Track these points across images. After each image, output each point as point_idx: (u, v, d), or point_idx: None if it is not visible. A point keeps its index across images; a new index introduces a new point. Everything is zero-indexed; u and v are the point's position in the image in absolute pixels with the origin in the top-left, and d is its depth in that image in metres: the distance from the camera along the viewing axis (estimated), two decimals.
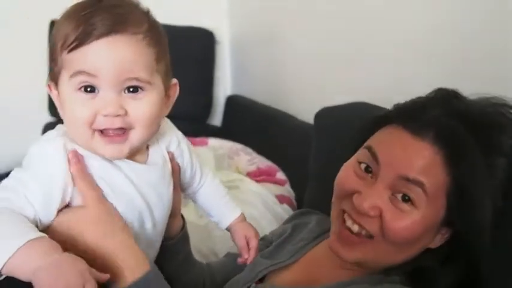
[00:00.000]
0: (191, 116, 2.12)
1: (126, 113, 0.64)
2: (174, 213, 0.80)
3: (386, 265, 0.77)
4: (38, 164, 0.65)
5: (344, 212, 0.77)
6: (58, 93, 0.67)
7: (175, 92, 0.74)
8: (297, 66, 1.82)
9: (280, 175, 1.70)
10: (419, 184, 0.70)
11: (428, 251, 0.75)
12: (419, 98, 0.78)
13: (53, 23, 2.00)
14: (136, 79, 0.63)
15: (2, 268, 0.54)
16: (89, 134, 0.64)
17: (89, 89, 0.63)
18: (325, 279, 0.80)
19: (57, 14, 1.91)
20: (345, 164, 0.80)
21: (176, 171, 0.77)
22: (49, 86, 0.68)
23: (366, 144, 0.77)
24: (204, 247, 1.11)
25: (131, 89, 0.64)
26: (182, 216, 0.86)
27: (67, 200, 0.65)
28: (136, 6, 0.66)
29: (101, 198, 0.67)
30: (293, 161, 1.65)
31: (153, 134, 0.70)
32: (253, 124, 2.00)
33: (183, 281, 0.86)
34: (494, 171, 0.71)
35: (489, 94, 0.75)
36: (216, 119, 2.37)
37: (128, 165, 0.69)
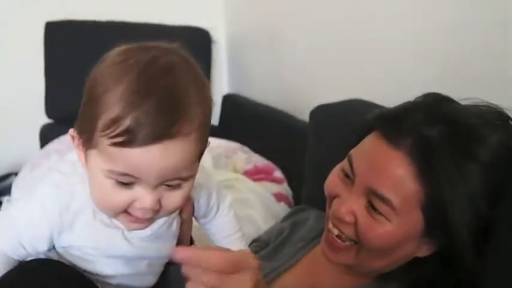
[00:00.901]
0: None
1: (160, 206, 0.60)
2: (182, 242, 0.75)
3: (372, 270, 0.78)
4: (37, 205, 0.63)
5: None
6: (84, 154, 0.61)
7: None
8: (294, 65, 1.82)
9: (278, 174, 1.70)
10: (386, 201, 0.70)
11: (422, 260, 0.75)
12: (405, 103, 0.78)
13: (48, 25, 2.00)
14: (178, 179, 0.59)
15: None
16: (116, 215, 0.62)
17: (126, 185, 0.58)
18: (328, 286, 0.81)
19: (53, 17, 1.90)
20: (334, 168, 0.81)
21: (188, 215, 0.73)
22: (73, 137, 0.62)
23: (350, 152, 0.78)
24: (200, 245, 1.11)
25: (170, 185, 0.60)
26: (191, 240, 0.83)
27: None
28: (195, 86, 0.58)
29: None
30: (290, 160, 1.65)
31: None
32: (250, 123, 2.00)
33: None
34: (468, 178, 0.69)
35: (482, 100, 0.74)
36: (213, 118, 2.37)
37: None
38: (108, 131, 0.55)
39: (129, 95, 0.54)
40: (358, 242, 0.75)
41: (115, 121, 0.54)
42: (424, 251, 0.75)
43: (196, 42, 2.19)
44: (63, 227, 0.63)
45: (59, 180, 0.64)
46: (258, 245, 1.01)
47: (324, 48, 1.60)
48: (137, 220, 0.61)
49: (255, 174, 1.68)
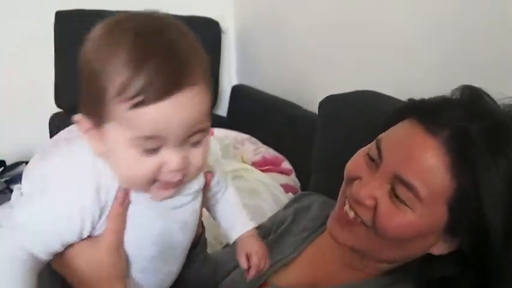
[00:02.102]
0: None
1: (188, 165, 0.59)
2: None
3: (379, 259, 0.75)
4: (69, 198, 0.59)
5: (346, 197, 0.76)
6: (97, 132, 0.59)
7: None
8: (302, 56, 1.81)
9: (286, 165, 1.70)
10: (412, 188, 0.67)
11: (435, 259, 0.72)
12: (443, 97, 0.74)
13: (58, 15, 2.01)
14: (200, 130, 0.59)
15: None
16: (146, 187, 0.60)
17: (153, 151, 0.57)
18: (332, 280, 0.78)
19: (63, 6, 1.90)
20: (358, 151, 0.78)
21: (208, 190, 0.74)
22: (79, 121, 0.60)
23: (379, 136, 0.75)
24: (209, 236, 1.11)
25: (194, 141, 0.59)
26: (202, 224, 0.83)
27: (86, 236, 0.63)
28: (190, 39, 0.58)
29: (118, 246, 0.64)
30: (299, 151, 1.65)
31: None
32: (258, 114, 2.00)
33: (202, 277, 0.85)
34: (501, 173, 0.66)
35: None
36: (222, 108, 2.37)
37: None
38: (121, 97, 0.54)
39: (131, 56, 0.53)
40: (372, 228, 0.71)
41: (126, 84, 0.53)
42: (439, 249, 0.71)
43: (206, 33, 2.19)
44: (102, 208, 0.61)
45: (79, 154, 0.62)
46: (261, 232, 0.99)
47: (333, 38, 1.59)
48: (167, 186, 0.60)
49: (263, 165, 1.69)
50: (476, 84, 0.75)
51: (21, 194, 1.51)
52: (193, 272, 0.82)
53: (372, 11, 1.39)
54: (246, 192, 1.47)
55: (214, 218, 0.81)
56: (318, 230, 0.89)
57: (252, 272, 0.76)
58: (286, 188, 1.56)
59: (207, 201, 0.77)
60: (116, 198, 0.61)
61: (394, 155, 0.70)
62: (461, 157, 0.66)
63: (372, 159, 0.73)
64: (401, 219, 0.68)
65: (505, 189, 0.66)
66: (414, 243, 0.71)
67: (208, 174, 0.71)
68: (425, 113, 0.71)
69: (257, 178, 1.54)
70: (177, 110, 0.55)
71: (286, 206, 1.05)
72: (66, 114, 2.06)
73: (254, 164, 1.70)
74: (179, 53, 0.55)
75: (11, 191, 1.64)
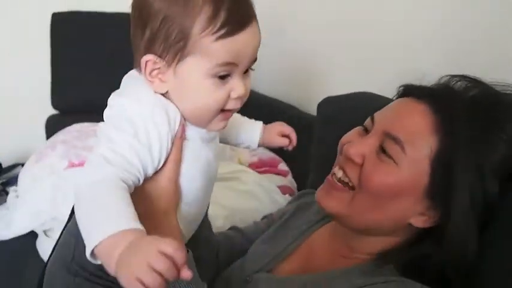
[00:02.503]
0: None
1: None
2: None
3: (362, 223, 0.77)
4: (144, 125, 0.64)
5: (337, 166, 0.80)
6: (169, 70, 0.65)
7: None
8: (300, 57, 1.82)
9: (283, 166, 1.70)
10: (397, 141, 0.71)
11: (418, 240, 0.74)
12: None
13: (54, 16, 2.01)
14: (254, 61, 0.68)
15: (94, 248, 0.54)
16: (214, 115, 0.68)
17: (225, 76, 0.65)
18: (324, 267, 0.81)
19: (59, 7, 1.89)
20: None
21: None
22: (148, 61, 0.65)
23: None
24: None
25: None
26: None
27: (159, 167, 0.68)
28: None
29: (177, 176, 0.70)
30: (295, 153, 1.65)
31: None
32: (255, 115, 1.99)
33: (204, 254, 0.87)
34: (490, 147, 0.69)
35: None
36: None
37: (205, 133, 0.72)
38: (208, 30, 0.61)
39: None
40: (357, 188, 0.75)
41: (212, 18, 0.61)
42: (419, 222, 0.73)
43: None
44: (171, 143, 0.67)
45: (148, 95, 0.67)
46: (267, 221, 1.03)
47: (332, 40, 1.60)
48: (226, 116, 0.69)
49: (260, 167, 1.68)
50: None
51: (17, 196, 1.51)
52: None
53: (371, 12, 1.39)
54: (243, 193, 1.47)
55: (230, 141, 0.88)
56: (317, 224, 0.91)
57: (293, 137, 0.90)
58: (283, 189, 1.56)
59: None
60: (177, 132, 0.68)
61: (385, 116, 0.77)
62: (447, 118, 0.70)
63: (366, 130, 0.79)
64: (385, 173, 0.72)
65: (491, 167, 0.69)
66: (395, 203, 0.73)
67: None
68: (417, 89, 0.78)
69: (254, 180, 1.54)
70: (251, 38, 0.65)
71: (290, 202, 1.09)
72: (62, 116, 2.06)
73: (251, 166, 1.70)
74: None
75: (7, 193, 1.64)
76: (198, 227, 0.81)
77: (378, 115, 0.79)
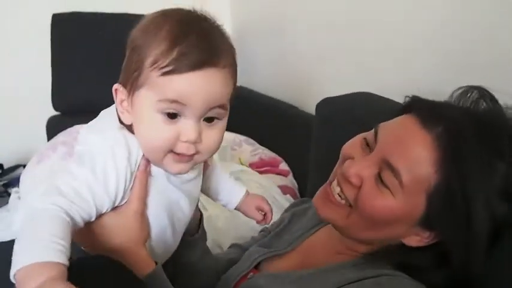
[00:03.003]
0: None
1: (201, 141, 0.66)
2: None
3: (357, 238, 0.79)
4: (103, 160, 0.66)
5: (337, 175, 0.80)
6: (129, 100, 0.67)
7: None
8: (299, 57, 1.82)
9: (283, 166, 1.71)
10: (397, 174, 0.71)
11: (417, 250, 0.74)
12: (445, 101, 0.78)
13: (54, 17, 2.01)
14: (220, 107, 0.66)
15: (15, 274, 0.55)
16: (162, 156, 0.67)
17: (172, 116, 0.64)
18: (321, 263, 0.82)
19: (59, 9, 1.90)
20: (357, 135, 0.82)
21: (207, 167, 0.83)
22: (116, 89, 0.68)
23: (378, 124, 0.79)
24: (208, 239, 1.12)
25: (209, 119, 0.66)
26: (199, 210, 0.90)
27: (117, 203, 0.70)
28: (223, 33, 0.68)
29: (143, 211, 0.71)
30: (296, 152, 1.66)
31: None
32: (255, 115, 2.00)
33: (205, 267, 0.92)
34: (494, 175, 0.69)
35: None
36: None
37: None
38: (157, 64, 0.62)
39: (172, 34, 0.62)
40: (354, 207, 0.75)
41: (163, 54, 0.62)
42: (412, 241, 0.74)
43: None
44: (130, 180, 0.68)
45: (109, 129, 0.69)
46: (263, 234, 1.04)
47: (330, 40, 1.60)
48: (181, 159, 0.67)
49: (260, 167, 1.69)
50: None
51: (19, 198, 1.50)
52: (195, 259, 0.89)
53: (370, 12, 1.39)
54: None
55: (210, 194, 0.89)
56: (312, 229, 0.93)
57: (269, 216, 0.89)
58: (284, 189, 1.56)
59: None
60: (139, 166, 0.69)
61: (388, 141, 0.75)
62: (451, 153, 0.69)
63: (367, 144, 0.78)
64: (381, 202, 0.72)
65: (497, 192, 0.68)
66: (389, 228, 0.74)
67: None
68: (424, 108, 0.75)
69: (255, 180, 1.54)
70: (202, 82, 0.63)
71: (286, 210, 1.10)
72: (63, 117, 2.06)
73: (252, 166, 1.70)
74: (211, 39, 0.64)
75: (9, 194, 1.64)
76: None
77: (381, 133, 0.76)
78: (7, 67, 2.10)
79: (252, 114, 2.03)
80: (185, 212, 0.77)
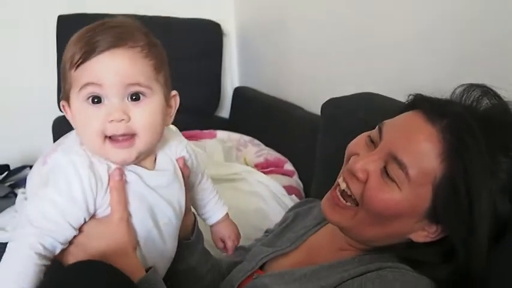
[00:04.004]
0: (199, 109, 2.13)
1: (129, 119, 0.69)
2: (186, 211, 0.84)
3: (364, 237, 0.79)
4: (64, 173, 0.69)
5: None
6: (70, 110, 0.72)
7: (176, 102, 0.78)
8: (304, 57, 1.82)
9: (288, 166, 1.71)
10: (402, 166, 0.71)
11: (423, 245, 0.75)
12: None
13: (60, 19, 2.02)
14: (138, 84, 0.69)
15: None
16: (100, 142, 0.69)
17: (96, 100, 0.68)
18: (323, 261, 0.82)
19: (65, 10, 1.91)
20: (361, 134, 0.83)
21: (187, 175, 0.83)
22: (63, 106, 0.73)
23: (382, 121, 0.80)
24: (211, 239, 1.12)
25: (134, 97, 0.69)
26: (194, 215, 0.91)
27: (92, 211, 0.71)
28: (136, 27, 0.72)
29: (126, 217, 0.72)
30: (301, 152, 1.66)
31: (157, 140, 0.75)
32: (261, 115, 2.00)
33: (203, 272, 0.92)
34: (499, 170, 0.69)
35: None
36: (224, 111, 2.38)
37: (138, 170, 0.74)
38: (71, 64, 0.68)
39: (79, 35, 0.69)
40: (360, 204, 0.76)
41: (75, 53, 0.68)
42: (419, 237, 0.75)
43: (207, 35, 2.20)
44: (97, 187, 0.70)
45: (71, 147, 0.72)
46: (267, 234, 1.04)
47: (334, 41, 1.60)
48: (120, 145, 0.69)
49: (265, 167, 1.69)
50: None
51: (25, 198, 1.52)
52: (195, 263, 0.90)
53: (376, 12, 1.39)
54: (250, 194, 1.47)
55: (195, 205, 0.91)
56: (316, 227, 0.94)
57: (229, 252, 0.92)
58: (289, 189, 1.56)
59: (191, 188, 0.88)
60: (111, 174, 0.71)
61: (393, 135, 0.76)
62: (456, 146, 0.70)
63: (372, 141, 0.79)
64: (388, 195, 0.73)
65: (502, 188, 0.69)
66: (395, 223, 0.74)
67: (180, 159, 0.81)
68: (428, 104, 0.76)
69: (260, 180, 1.54)
70: (108, 61, 0.67)
71: (290, 209, 1.11)
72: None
73: (257, 166, 1.71)
74: (116, 29, 0.69)
75: (16, 195, 1.65)
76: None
77: (386, 129, 0.77)
78: (13, 68, 2.11)
79: (257, 114, 2.03)
80: (171, 218, 0.78)
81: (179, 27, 2.11)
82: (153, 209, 0.75)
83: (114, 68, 0.67)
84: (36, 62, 2.11)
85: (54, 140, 1.89)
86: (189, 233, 0.89)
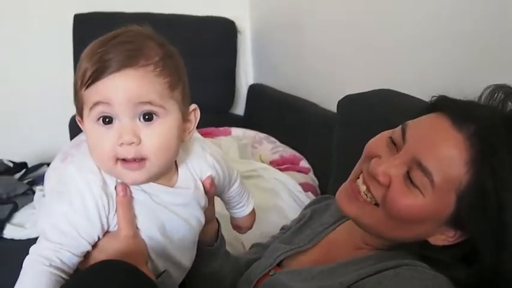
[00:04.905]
0: (214, 106, 2.13)
1: (140, 142, 0.67)
2: (209, 220, 0.83)
3: (379, 234, 0.78)
4: (79, 192, 0.69)
5: (361, 172, 0.79)
6: (84, 128, 0.71)
7: (197, 116, 0.76)
8: (318, 54, 1.81)
9: (304, 163, 1.70)
10: (427, 173, 0.70)
11: (437, 247, 0.74)
12: (472, 100, 0.77)
13: (76, 17, 2.04)
14: (149, 103, 0.66)
15: None
16: (112, 164, 0.68)
17: (107, 120, 0.67)
18: (340, 259, 0.82)
19: (81, 9, 1.92)
20: (381, 133, 0.81)
21: (213, 193, 0.81)
22: (79, 120, 0.72)
23: (405, 122, 0.77)
24: (229, 236, 1.12)
25: (146, 117, 0.67)
26: (217, 220, 0.90)
27: (105, 229, 0.71)
28: (150, 39, 0.69)
29: (135, 234, 0.72)
30: (316, 149, 1.65)
31: (171, 160, 0.73)
32: (275, 113, 2.00)
33: (225, 272, 0.93)
34: None
35: None
36: (239, 108, 2.38)
37: (152, 188, 0.73)
38: (81, 82, 0.66)
39: (88, 54, 0.67)
40: (381, 205, 0.74)
41: (85, 71, 0.66)
42: (438, 240, 0.74)
43: (222, 33, 2.20)
44: (109, 206, 0.70)
45: (85, 162, 0.71)
46: (284, 232, 1.04)
47: (349, 38, 1.59)
48: (129, 166, 0.68)
49: (281, 164, 1.69)
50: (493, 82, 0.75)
51: (43, 196, 1.54)
52: (217, 267, 0.90)
53: (391, 9, 1.38)
54: (265, 191, 1.47)
55: (227, 204, 0.91)
56: (334, 225, 0.93)
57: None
58: (305, 186, 1.56)
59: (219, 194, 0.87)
60: (117, 190, 0.70)
61: (418, 140, 0.73)
62: (485, 154, 0.68)
63: (394, 143, 0.77)
64: (411, 201, 0.71)
65: None
66: (415, 227, 0.73)
67: (206, 180, 0.79)
68: (455, 108, 0.74)
69: (276, 177, 1.54)
70: (118, 81, 0.65)
71: (306, 207, 1.09)
72: None
73: (272, 163, 1.70)
74: (127, 45, 0.66)
75: (34, 192, 1.67)
76: None
77: (410, 132, 0.75)
78: (30, 67, 2.14)
79: (272, 112, 2.03)
80: (185, 234, 0.77)
81: (194, 25, 2.11)
82: (164, 225, 0.74)
83: (124, 87, 0.65)
84: (53, 61, 2.13)
85: (71, 138, 1.91)
86: (213, 239, 0.89)
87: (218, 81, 2.18)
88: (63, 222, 0.67)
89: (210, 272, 0.89)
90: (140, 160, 0.67)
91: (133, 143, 0.66)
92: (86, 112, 0.68)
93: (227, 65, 2.24)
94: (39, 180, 1.73)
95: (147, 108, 0.66)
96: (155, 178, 0.72)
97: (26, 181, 1.83)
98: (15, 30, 2.10)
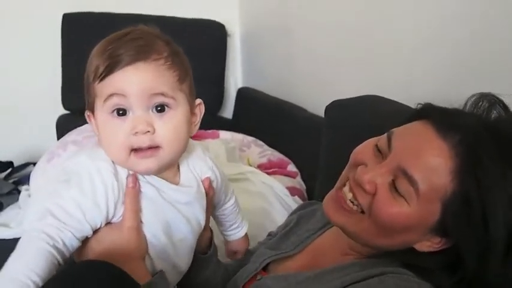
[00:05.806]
0: None
1: (154, 131, 0.69)
2: (205, 227, 0.85)
3: (366, 242, 0.78)
4: (90, 177, 0.70)
5: (347, 179, 0.79)
6: (95, 121, 0.73)
7: (201, 110, 0.80)
8: (307, 59, 1.82)
9: (292, 167, 1.71)
10: (412, 182, 0.70)
11: (423, 254, 0.74)
12: (457, 108, 0.77)
13: (65, 17, 2.03)
14: (162, 94, 0.69)
15: None
16: (126, 155, 0.70)
17: (121, 112, 0.69)
18: (327, 265, 0.82)
19: (70, 9, 1.92)
20: (367, 140, 0.81)
21: (211, 196, 0.84)
22: (88, 115, 0.75)
23: (391, 130, 0.78)
24: (217, 240, 1.12)
25: (159, 108, 0.70)
26: (210, 228, 0.91)
27: (110, 218, 0.72)
28: (158, 37, 0.72)
29: (138, 226, 0.73)
30: (303, 154, 1.66)
31: (182, 151, 0.76)
32: (264, 116, 2.00)
33: (217, 280, 0.94)
34: (509, 185, 0.68)
35: None
36: (227, 111, 2.38)
37: (159, 183, 0.75)
38: (95, 76, 0.69)
39: (101, 48, 0.70)
40: (367, 213, 0.75)
41: (98, 65, 0.68)
42: (423, 247, 0.74)
43: (212, 36, 2.21)
44: (119, 195, 0.71)
45: (96, 152, 0.73)
46: (270, 238, 1.04)
47: (338, 43, 1.60)
48: (144, 154, 0.70)
49: (269, 168, 1.69)
50: (483, 89, 0.76)
51: (29, 195, 1.53)
52: (209, 275, 0.91)
53: (380, 14, 1.39)
54: (253, 195, 1.47)
55: (216, 219, 0.93)
56: (320, 231, 0.93)
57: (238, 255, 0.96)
58: (292, 190, 1.56)
59: (214, 206, 0.89)
60: (127, 181, 0.72)
61: (403, 148, 0.74)
62: (469, 162, 0.68)
63: (379, 151, 0.77)
64: (396, 210, 0.72)
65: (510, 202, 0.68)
66: (401, 235, 0.74)
67: (205, 179, 0.82)
68: (440, 116, 0.75)
69: (263, 181, 1.54)
70: (131, 73, 0.68)
71: (292, 212, 1.10)
72: (73, 116, 2.07)
73: (260, 167, 1.71)
74: (138, 41, 0.69)
75: (19, 192, 1.66)
76: None
77: (395, 140, 0.75)
78: (17, 66, 2.12)
79: (260, 115, 2.03)
80: (186, 235, 0.79)
81: (183, 27, 2.11)
82: (169, 223, 0.76)
83: (138, 80, 0.68)
84: (41, 59, 2.11)
85: (58, 138, 1.90)
86: (206, 247, 0.90)
87: (207, 84, 2.17)
88: (71, 205, 0.68)
89: (201, 281, 0.90)
90: (154, 148, 0.70)
91: (148, 131, 0.69)
92: (98, 104, 0.70)
93: (216, 67, 2.24)
94: (25, 179, 1.71)
95: (160, 99, 0.69)
96: (165, 169, 0.75)
97: (11, 180, 1.82)
98: (2, 29, 2.08)
